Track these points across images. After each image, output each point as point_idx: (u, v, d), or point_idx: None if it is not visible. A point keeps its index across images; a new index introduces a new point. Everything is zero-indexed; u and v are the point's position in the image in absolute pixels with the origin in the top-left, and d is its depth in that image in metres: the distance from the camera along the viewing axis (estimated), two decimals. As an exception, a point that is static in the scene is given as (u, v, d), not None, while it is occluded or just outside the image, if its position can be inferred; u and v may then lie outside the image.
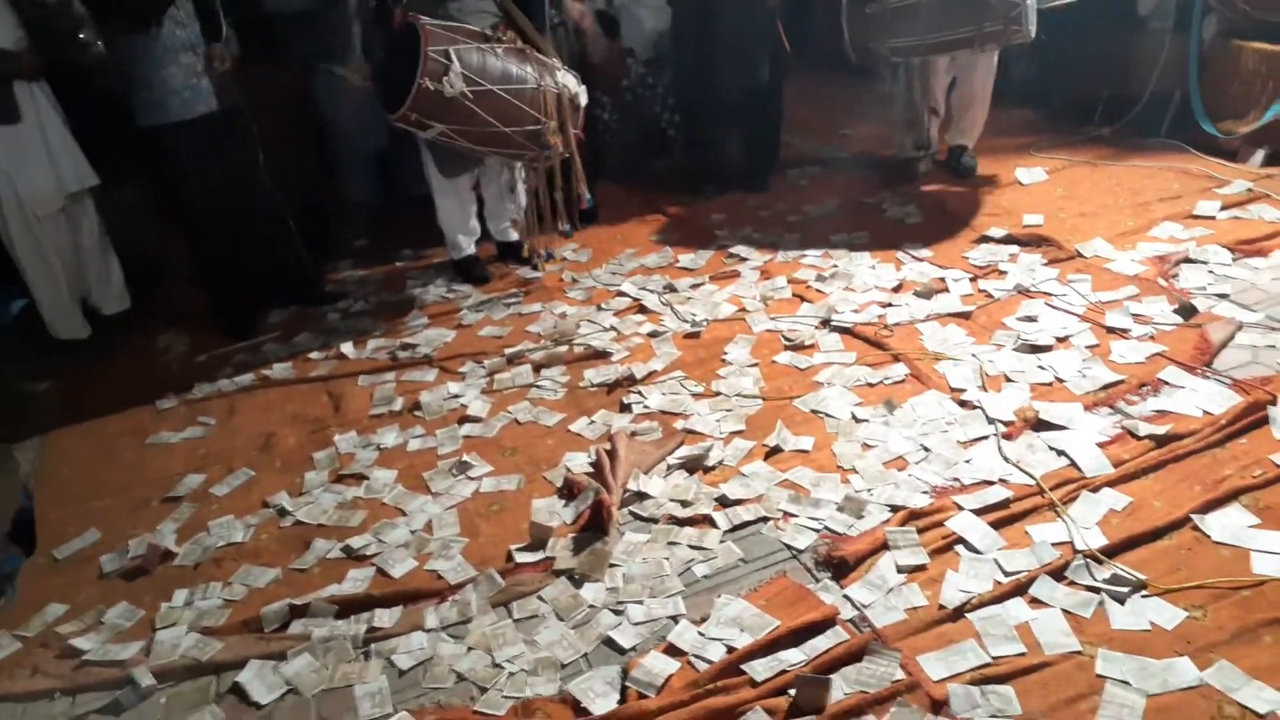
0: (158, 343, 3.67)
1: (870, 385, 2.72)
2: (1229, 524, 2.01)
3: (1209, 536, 1.99)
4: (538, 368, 3.10)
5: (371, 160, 4.47)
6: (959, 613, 1.90)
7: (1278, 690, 1.63)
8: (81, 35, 3.29)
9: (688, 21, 4.32)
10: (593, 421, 2.76)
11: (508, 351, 3.21)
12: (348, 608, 2.14)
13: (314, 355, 3.40)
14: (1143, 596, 1.87)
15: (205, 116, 3.33)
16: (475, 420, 2.85)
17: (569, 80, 3.46)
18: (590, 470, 2.52)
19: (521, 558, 2.24)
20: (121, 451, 2.95)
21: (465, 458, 2.65)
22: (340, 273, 4.12)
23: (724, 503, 2.32)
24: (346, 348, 3.40)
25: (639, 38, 4.77)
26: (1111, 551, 1.99)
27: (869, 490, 2.28)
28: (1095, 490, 2.16)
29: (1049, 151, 4.32)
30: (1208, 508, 2.06)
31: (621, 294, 3.56)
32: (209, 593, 2.26)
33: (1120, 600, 1.87)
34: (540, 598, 2.11)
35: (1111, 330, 2.80)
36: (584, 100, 3.52)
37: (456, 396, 2.99)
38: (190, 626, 2.15)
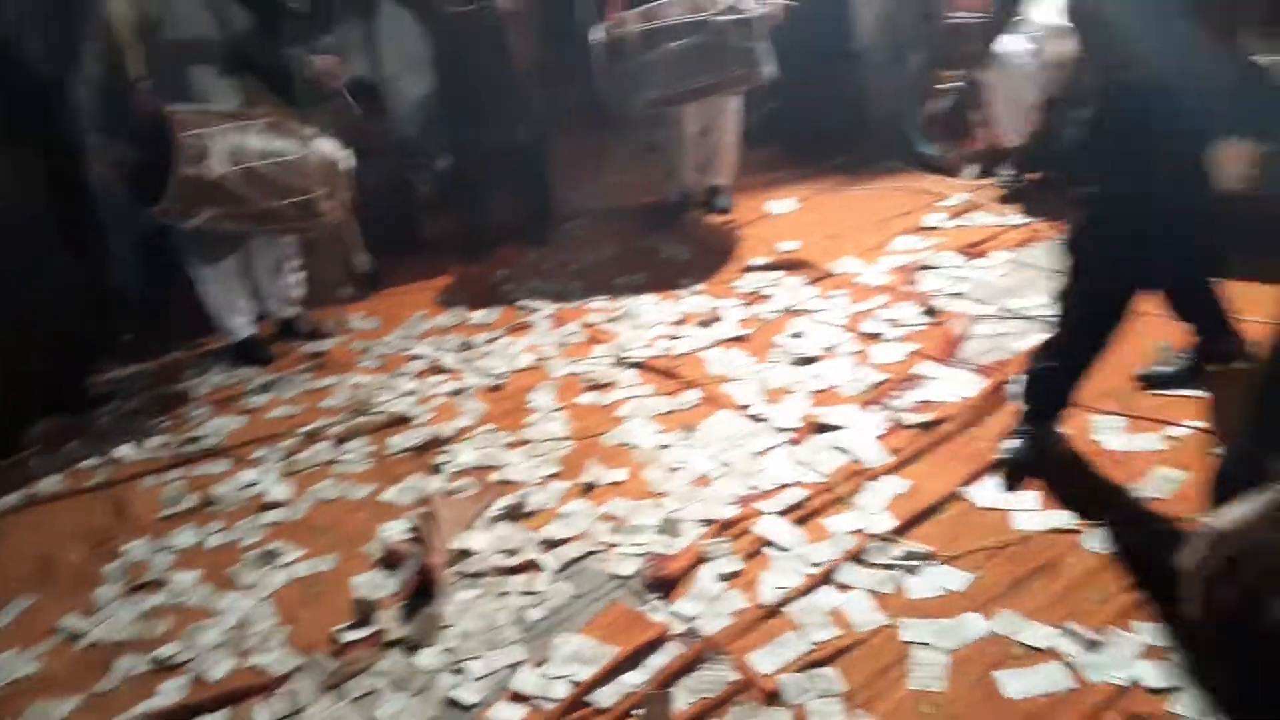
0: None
1: (669, 413, 2.87)
2: (989, 492, 2.28)
3: (975, 505, 2.24)
4: (339, 442, 3.03)
5: (137, 244, 4.21)
6: (777, 608, 2.04)
7: (1051, 626, 1.86)
8: None
9: (448, 86, 4.44)
10: (405, 488, 2.73)
11: (304, 430, 3.12)
12: (165, 722, 2.01)
13: (87, 463, 3.14)
14: (932, 565, 2.08)
15: None
16: (278, 505, 2.74)
17: (331, 146, 3.44)
18: (410, 537, 2.50)
19: (349, 636, 2.18)
20: None
21: (272, 546, 2.55)
22: (106, 372, 3.82)
23: (549, 544, 2.37)
24: (124, 450, 3.18)
25: (408, 104, 4.81)
26: (900, 531, 2.20)
27: (682, 509, 2.40)
28: (877, 479, 2.39)
29: (796, 184, 4.71)
30: (972, 479, 2.33)
31: (416, 357, 3.54)
32: (-1, 736, 2.05)
33: (913, 573, 2.07)
34: (375, 673, 2.06)
35: (870, 336, 3.09)
36: (351, 164, 3.51)
37: (254, 484, 2.87)
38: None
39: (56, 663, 2.26)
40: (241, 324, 3.73)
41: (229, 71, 3.44)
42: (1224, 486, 1.75)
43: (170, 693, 2.09)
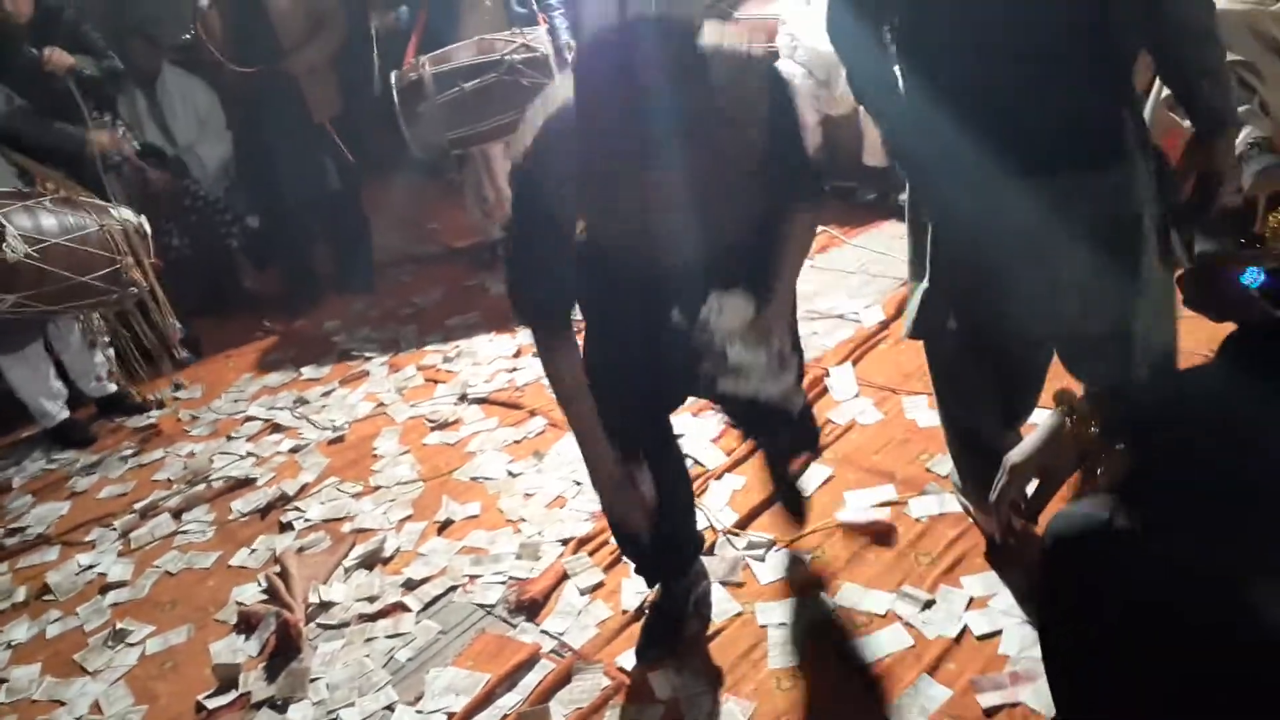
0: None
1: (517, 442, 2.95)
2: (816, 478, 2.47)
3: (805, 493, 2.43)
4: (177, 514, 2.94)
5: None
6: (640, 611, 2.15)
7: (887, 592, 2.05)
8: None
9: (246, 145, 4.43)
10: (254, 550, 2.69)
11: (138, 506, 3.01)
12: (22, 823, 1.91)
13: (-107, 571, 2.92)
14: (775, 551, 2.25)
15: None
16: (120, 585, 2.64)
17: (127, 213, 3.36)
18: (265, 598, 2.47)
19: (213, 704, 2.14)
20: None
21: (119, 626, 2.46)
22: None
23: (410, 585, 2.39)
24: (-64, 551, 2.97)
25: (207, 165, 4.70)
26: (743, 524, 2.36)
27: (540, 532, 2.48)
28: (719, 478, 2.55)
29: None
30: (799, 469, 2.52)
31: (251, 418, 3.47)
32: None
33: (761, 560, 2.24)
34: (246, 735, 2.04)
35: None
36: (147, 229, 3.42)
37: (91, 567, 2.75)
38: None
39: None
40: (56, 408, 3.55)
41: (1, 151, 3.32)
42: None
43: (24, 793, 1.99)
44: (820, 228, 3.98)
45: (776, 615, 2.06)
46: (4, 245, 2.89)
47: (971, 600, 1.99)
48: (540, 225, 1.62)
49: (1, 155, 3.35)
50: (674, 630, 2.04)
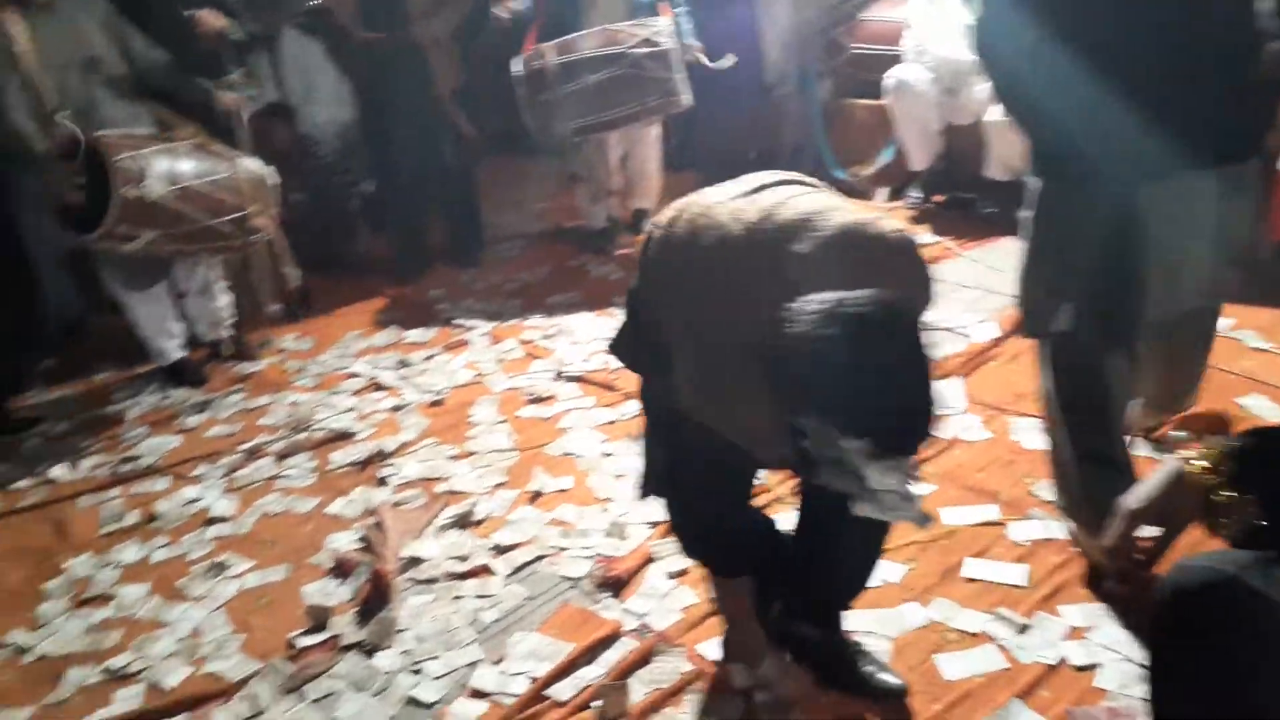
0: None
1: (611, 423, 2.97)
2: (921, 489, 2.43)
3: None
4: (280, 458, 3.04)
5: (59, 270, 4.12)
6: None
7: (981, 612, 2.01)
8: None
9: (368, 112, 4.55)
10: (351, 500, 2.77)
11: (244, 447, 3.12)
12: (123, 729, 2.01)
13: (19, 485, 3.08)
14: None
15: None
16: (222, 520, 2.75)
17: (256, 164, 3.48)
18: (360, 546, 2.54)
19: (305, 642, 2.21)
20: None
21: (220, 558, 2.56)
22: (28, 398, 3.73)
23: (499, 550, 2.44)
24: (57, 471, 3.12)
25: (324, 129, 4.84)
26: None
27: (628, 513, 2.50)
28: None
29: (717, 207, 4.87)
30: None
31: (354, 375, 3.57)
32: (-52, 752, 2.02)
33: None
34: (333, 675, 2.10)
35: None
36: (276, 180, 3.54)
37: (196, 500, 2.87)
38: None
39: (4, 675, 2.23)
40: (172, 347, 3.70)
41: (138, 99, 3.47)
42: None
43: (126, 700, 2.09)
44: (936, 238, 3.97)
45: (868, 621, 2.03)
46: (144, 184, 3.02)
47: (1071, 630, 1.95)
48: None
49: (142, 105, 3.50)
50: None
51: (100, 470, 3.11)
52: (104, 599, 2.46)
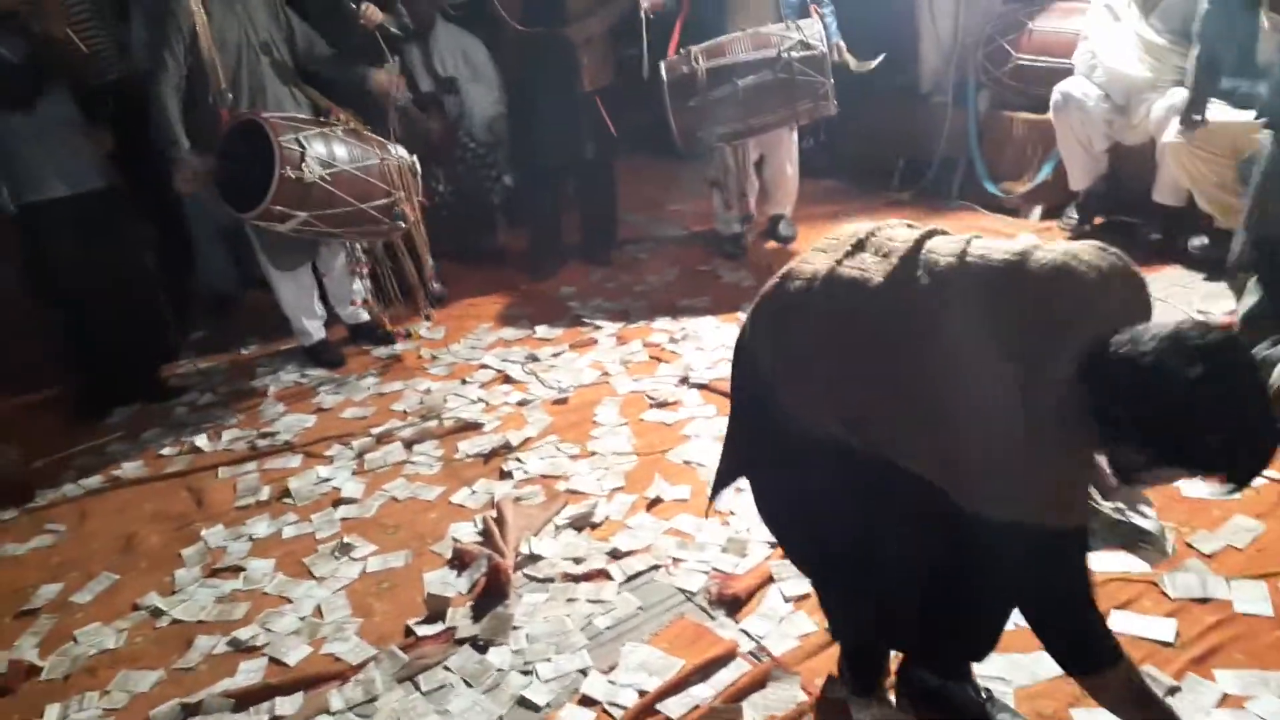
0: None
1: (735, 434, 2.90)
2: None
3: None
4: (409, 444, 3.10)
5: (218, 246, 4.36)
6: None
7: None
8: None
9: (516, 104, 4.57)
10: (474, 491, 2.79)
11: (375, 431, 3.19)
12: (245, 700, 2.07)
13: (166, 451, 3.24)
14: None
15: (86, 194, 3.30)
16: (350, 502, 2.81)
17: (402, 151, 3.55)
18: (479, 539, 2.56)
19: (421, 631, 2.24)
20: (-41, 570, 2.72)
21: (346, 539, 2.62)
22: (179, 367, 3.94)
23: (616, 555, 2.41)
24: (200, 440, 3.27)
25: (475, 120, 4.93)
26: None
27: (749, 529, 2.43)
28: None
29: (857, 216, 4.73)
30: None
31: (485, 366, 3.61)
32: (85, 704, 2.12)
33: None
34: (446, 667, 2.11)
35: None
36: (419, 170, 3.60)
37: (327, 480, 2.95)
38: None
39: (139, 637, 2.34)
40: (315, 327, 3.84)
41: (298, 84, 3.61)
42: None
43: (248, 673, 2.16)
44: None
45: (995, 666, 1.91)
46: (303, 165, 3.12)
47: (1224, 697, 1.79)
48: None
49: (300, 89, 3.63)
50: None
51: (239, 444, 3.24)
52: (234, 570, 2.55)
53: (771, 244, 4.56)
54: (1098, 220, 4.07)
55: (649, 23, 4.00)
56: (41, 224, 3.28)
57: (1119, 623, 1.97)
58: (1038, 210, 4.39)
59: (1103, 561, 2.13)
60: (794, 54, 3.68)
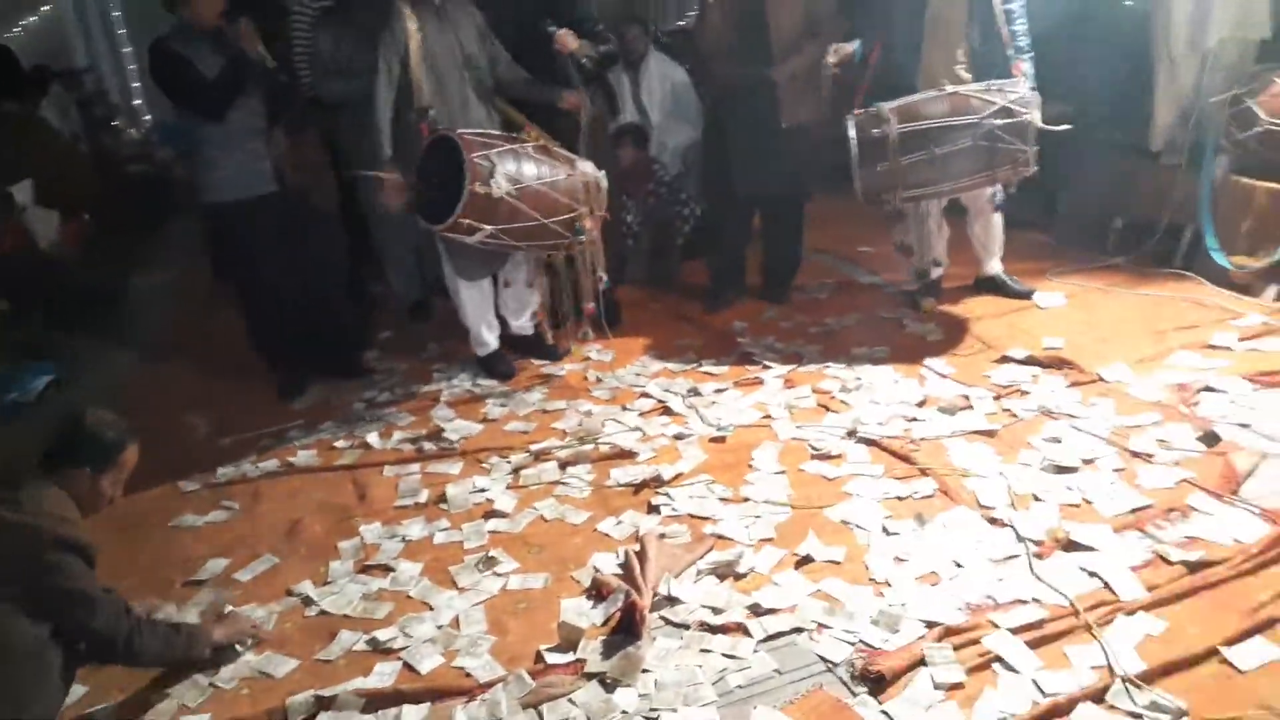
0: (182, 424, 3.69)
1: (899, 498, 2.73)
2: (1262, 653, 2.00)
3: (1239, 668, 1.97)
4: (564, 465, 3.11)
5: (412, 253, 4.58)
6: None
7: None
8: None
9: (714, 134, 4.53)
10: (620, 521, 2.76)
11: (534, 447, 3.23)
12: (375, 702, 2.10)
13: (339, 444, 3.41)
14: (1184, 723, 1.85)
15: (269, 195, 3.66)
16: (501, 515, 2.84)
17: (590, 167, 3.57)
18: (619, 571, 2.51)
19: (552, 658, 2.21)
20: (145, 532, 2.93)
21: (491, 553, 2.64)
22: (369, 360, 4.17)
23: (757, 611, 2.30)
24: (372, 437, 3.41)
25: (670, 149, 4.97)
26: (1150, 677, 1.97)
27: (903, 604, 2.26)
28: (1130, 614, 2.15)
29: (1065, 277, 4.41)
30: (1240, 638, 2.05)
31: (646, 395, 3.59)
32: (229, 676, 2.22)
33: (1162, 729, 1.85)
34: (572, 701, 2.07)
35: (1136, 454, 2.82)
36: (605, 184, 3.61)
37: (482, 490, 2.99)
38: (213, 715, 2.12)
39: (288, 623, 2.43)
40: (491, 338, 3.94)
41: (493, 102, 3.73)
42: None
43: (383, 675, 2.19)
44: None
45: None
46: (492, 181, 3.21)
47: None
48: None
49: (495, 107, 3.75)
50: None
51: (406, 445, 3.35)
52: (384, 569, 2.62)
53: (965, 300, 4.28)
54: (1346, 306, 3.61)
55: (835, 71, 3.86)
56: (228, 223, 3.66)
57: None
58: (1272, 290, 3.93)
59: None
60: (997, 121, 3.43)
